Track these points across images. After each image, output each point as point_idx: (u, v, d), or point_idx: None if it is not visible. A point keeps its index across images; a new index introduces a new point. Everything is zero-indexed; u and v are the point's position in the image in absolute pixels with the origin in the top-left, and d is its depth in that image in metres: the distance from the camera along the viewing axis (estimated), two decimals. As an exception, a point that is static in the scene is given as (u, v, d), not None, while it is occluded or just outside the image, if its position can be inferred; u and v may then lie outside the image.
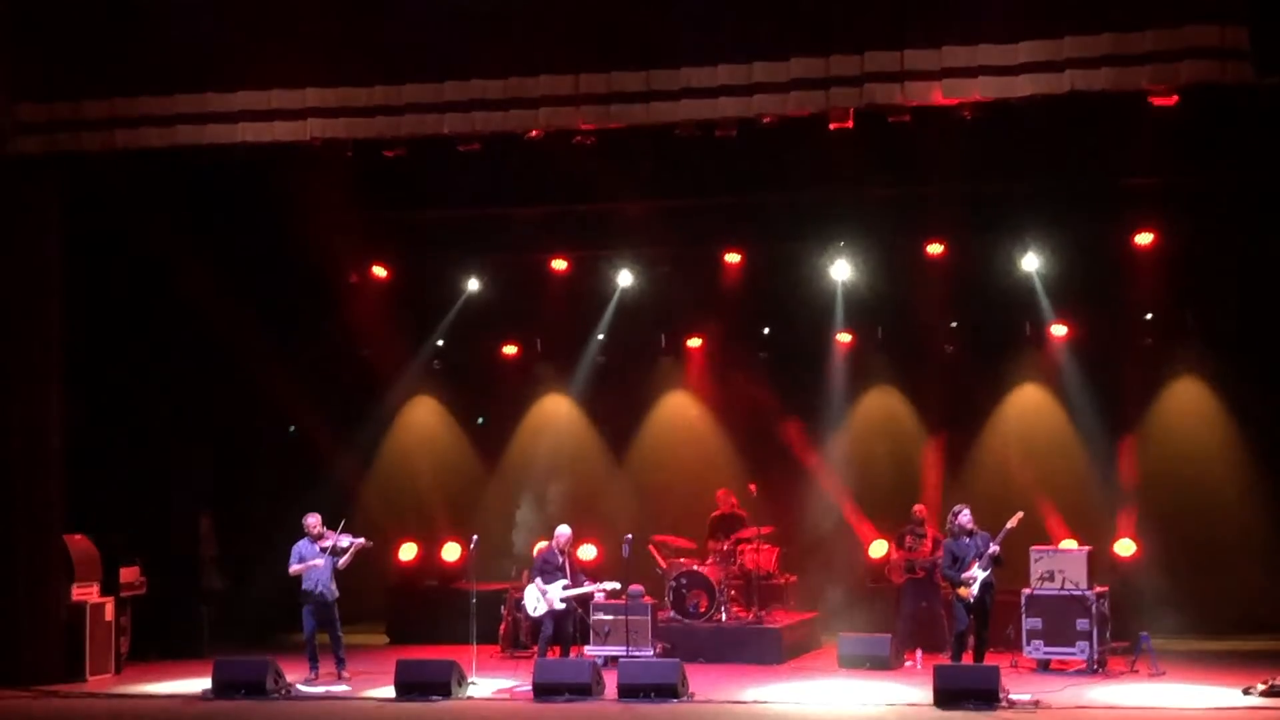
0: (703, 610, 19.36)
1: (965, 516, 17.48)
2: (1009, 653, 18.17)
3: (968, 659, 17.27)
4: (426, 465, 23.36)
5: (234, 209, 20.08)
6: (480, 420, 23.66)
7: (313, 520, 18.15)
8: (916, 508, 19.76)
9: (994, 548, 17.23)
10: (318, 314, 22.01)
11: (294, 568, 18.02)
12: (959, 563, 17.36)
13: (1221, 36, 15.12)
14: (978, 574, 17.18)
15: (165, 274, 20.08)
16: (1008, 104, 16.01)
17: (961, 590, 17.26)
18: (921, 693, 16.26)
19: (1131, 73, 15.43)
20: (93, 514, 19.03)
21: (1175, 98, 15.81)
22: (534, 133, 17.14)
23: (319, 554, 17.99)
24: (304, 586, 18.00)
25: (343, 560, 18.06)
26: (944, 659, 17.58)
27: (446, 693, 16.66)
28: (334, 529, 18.13)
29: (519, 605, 19.15)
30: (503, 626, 19.98)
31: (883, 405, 22.24)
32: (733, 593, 19.79)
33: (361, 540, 18.22)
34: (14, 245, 18.30)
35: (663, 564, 20.17)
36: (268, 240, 20.78)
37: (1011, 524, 17.42)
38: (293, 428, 22.68)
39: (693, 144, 17.27)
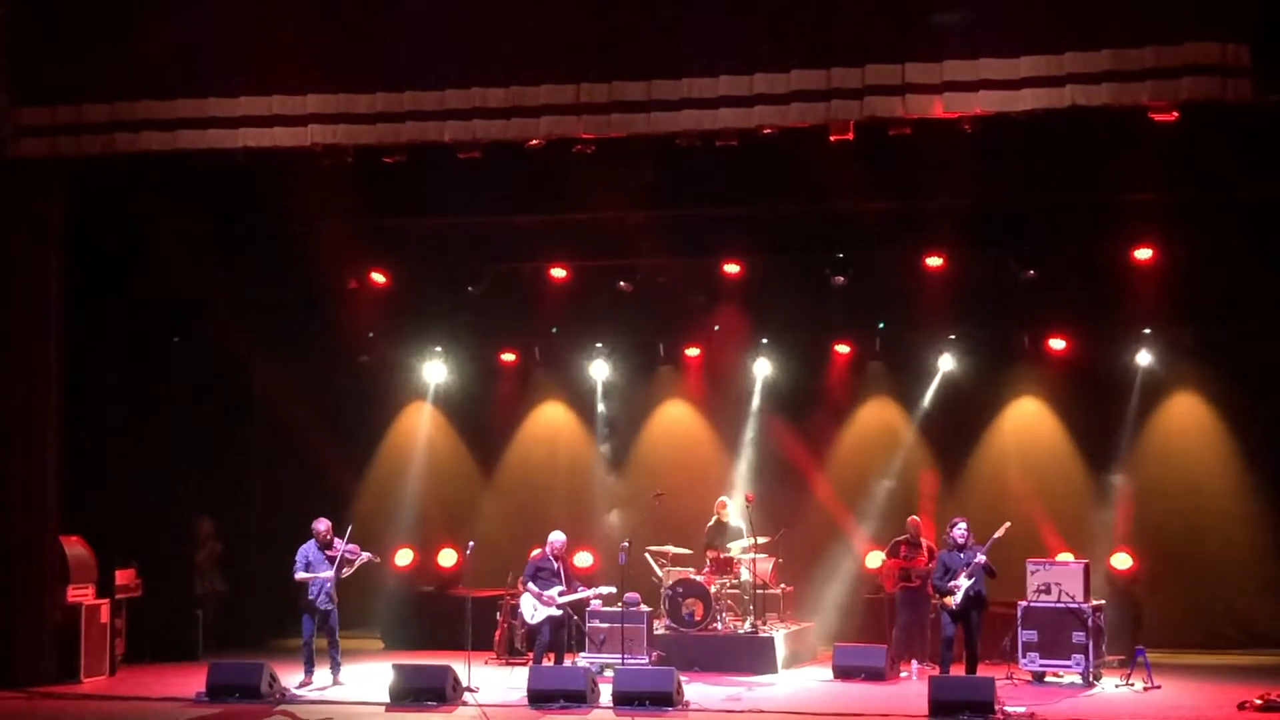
0: (698, 619, 19.35)
1: (959, 530, 17.57)
2: (1005, 665, 18.17)
3: (958, 670, 17.29)
4: (423, 471, 23.36)
5: (234, 214, 20.07)
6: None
7: (323, 526, 18.15)
8: (911, 519, 19.75)
9: (981, 557, 17.29)
10: (317, 319, 22.02)
11: (300, 574, 17.99)
12: (949, 573, 17.43)
13: (1222, 54, 15.15)
14: (963, 583, 17.24)
15: (164, 277, 20.06)
16: (1008, 118, 16.04)
17: (946, 599, 17.34)
18: (916, 704, 16.26)
19: (1132, 88, 15.45)
20: (89, 516, 19.02)
21: (1176, 114, 15.83)
22: (535, 141, 17.17)
23: (325, 561, 18.00)
24: (309, 595, 18.01)
25: (347, 570, 18.11)
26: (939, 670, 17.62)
27: (441, 699, 16.64)
28: (341, 536, 18.14)
29: (515, 612, 19.16)
30: (498, 633, 19.97)
31: (880, 416, 22.27)
32: (729, 602, 19.79)
33: (369, 555, 18.28)
34: (14, 248, 18.32)
35: (659, 572, 20.18)
36: (267, 245, 20.78)
37: (999, 534, 17.50)
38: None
39: (693, 154, 17.30)
